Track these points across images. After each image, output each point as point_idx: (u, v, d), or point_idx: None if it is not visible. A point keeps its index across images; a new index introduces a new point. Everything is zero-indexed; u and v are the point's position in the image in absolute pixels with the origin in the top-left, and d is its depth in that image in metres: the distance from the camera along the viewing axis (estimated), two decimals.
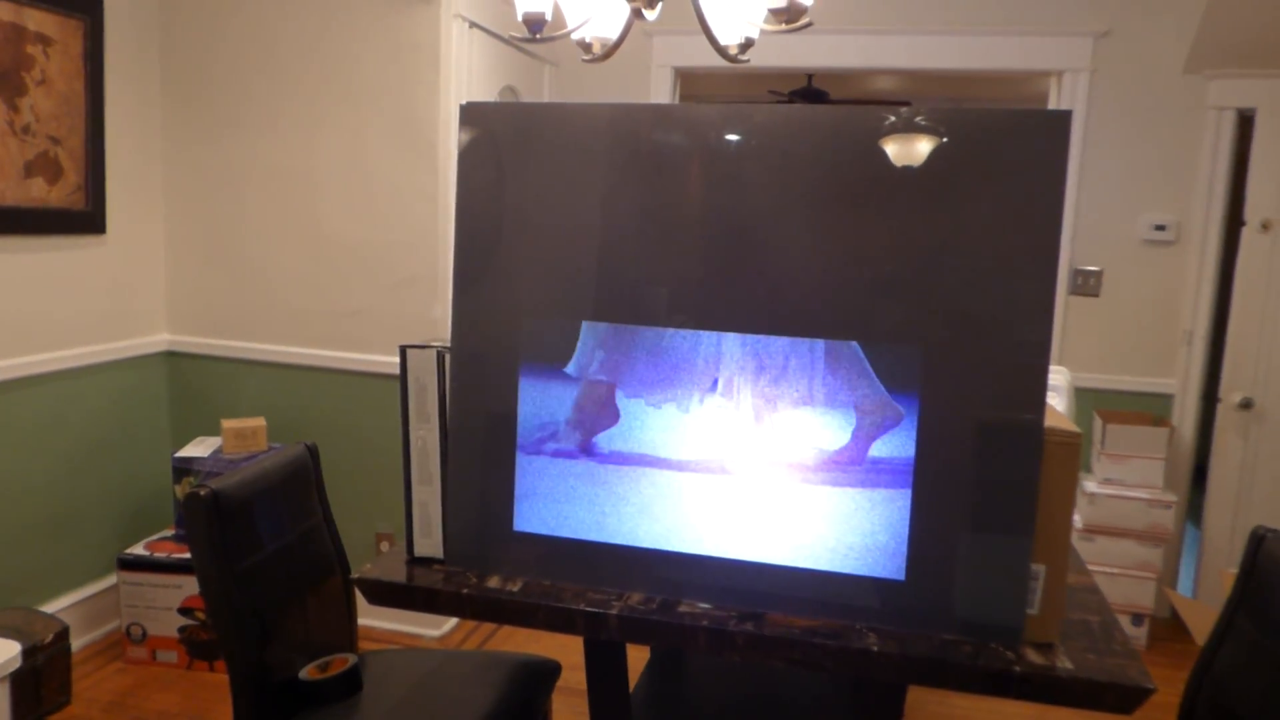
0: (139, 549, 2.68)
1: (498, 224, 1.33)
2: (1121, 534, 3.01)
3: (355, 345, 2.86)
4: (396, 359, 2.82)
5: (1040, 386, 1.15)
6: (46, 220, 2.54)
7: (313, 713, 1.59)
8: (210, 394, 3.01)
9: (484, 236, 1.33)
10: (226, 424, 2.73)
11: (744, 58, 1.86)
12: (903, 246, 1.19)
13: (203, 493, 1.47)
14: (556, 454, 1.32)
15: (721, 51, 1.77)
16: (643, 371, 1.29)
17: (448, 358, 1.35)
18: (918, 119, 1.18)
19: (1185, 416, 3.18)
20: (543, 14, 1.67)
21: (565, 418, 1.31)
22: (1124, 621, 3.05)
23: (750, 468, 1.26)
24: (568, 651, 2.82)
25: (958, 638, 1.19)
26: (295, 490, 1.72)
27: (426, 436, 1.36)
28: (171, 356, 3.03)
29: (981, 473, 1.17)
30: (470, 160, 1.33)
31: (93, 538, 2.80)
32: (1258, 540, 1.37)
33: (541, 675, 1.82)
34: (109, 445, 2.83)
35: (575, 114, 1.30)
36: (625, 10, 1.77)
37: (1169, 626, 3.22)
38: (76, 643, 2.73)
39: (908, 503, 1.20)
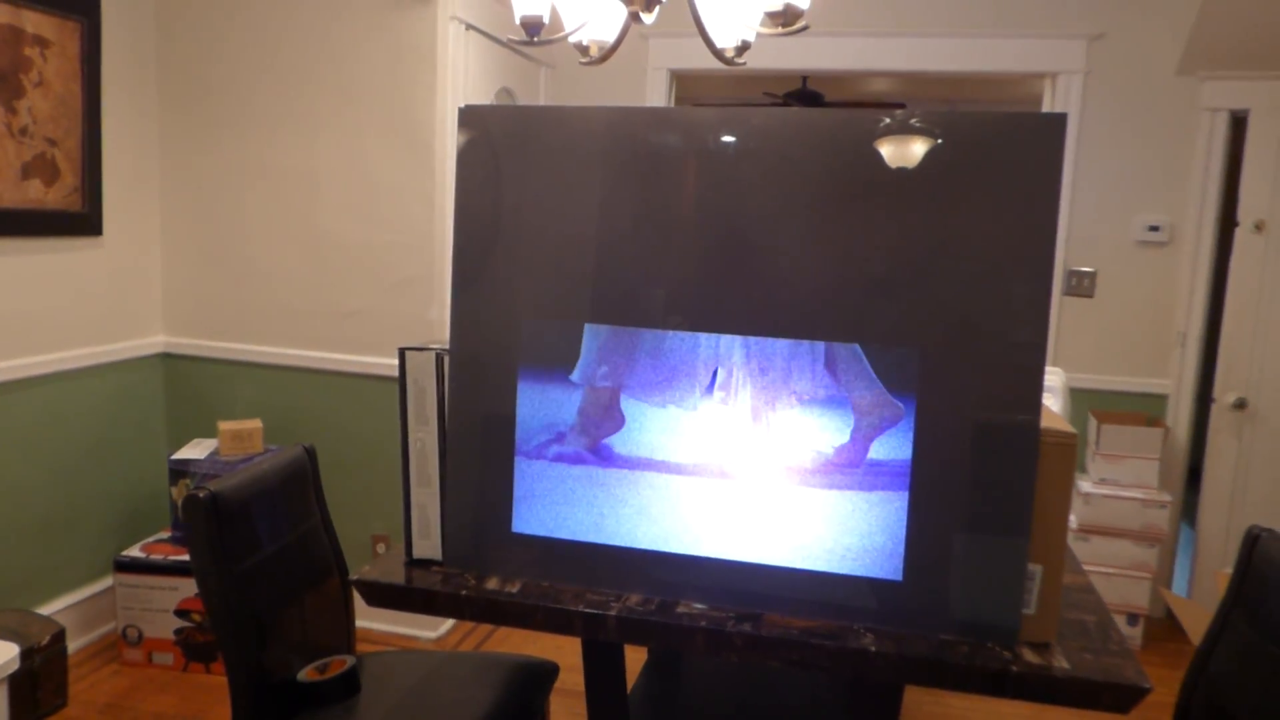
0: (135, 551, 2.68)
1: (496, 227, 1.33)
2: (1117, 534, 3.03)
3: (351, 347, 2.86)
4: (392, 360, 2.82)
5: (1036, 388, 1.16)
6: (43, 222, 2.54)
7: (311, 714, 1.59)
8: (206, 396, 3.01)
9: (482, 239, 1.34)
10: (223, 426, 2.73)
11: (740, 60, 1.87)
12: (899, 249, 1.20)
13: (201, 495, 1.47)
14: (556, 457, 1.33)
15: (718, 55, 1.78)
16: (642, 374, 1.29)
17: (446, 360, 1.35)
18: (914, 122, 1.19)
19: (1179, 417, 3.19)
20: (540, 17, 1.68)
21: (570, 423, 1.31)
22: (1119, 621, 3.06)
23: (748, 470, 1.26)
24: (565, 653, 2.83)
25: (955, 638, 1.19)
26: (294, 492, 1.72)
27: (425, 438, 1.36)
28: (168, 358, 3.03)
29: (978, 473, 1.18)
30: (469, 163, 1.33)
31: (89, 540, 2.79)
32: (1252, 540, 1.38)
33: (539, 676, 1.82)
34: (105, 447, 2.83)
35: (573, 117, 1.30)
36: (622, 14, 1.78)
37: (1164, 626, 3.23)
38: (72, 645, 2.73)
39: (905, 504, 1.20)
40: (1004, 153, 1.16)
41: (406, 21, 2.67)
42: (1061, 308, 3.24)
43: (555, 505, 1.33)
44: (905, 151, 1.19)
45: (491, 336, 1.34)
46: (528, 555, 1.34)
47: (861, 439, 1.22)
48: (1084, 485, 3.07)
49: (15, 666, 2.22)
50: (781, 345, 1.24)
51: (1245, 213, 3.02)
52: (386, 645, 2.88)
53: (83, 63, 2.60)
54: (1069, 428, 1.19)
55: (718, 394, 1.27)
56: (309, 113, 2.79)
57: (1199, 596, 3.15)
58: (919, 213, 1.19)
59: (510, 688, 1.74)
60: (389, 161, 2.74)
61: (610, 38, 1.84)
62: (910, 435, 1.20)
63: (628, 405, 1.30)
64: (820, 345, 1.23)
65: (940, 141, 1.18)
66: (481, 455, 1.35)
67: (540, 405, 1.33)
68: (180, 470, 2.69)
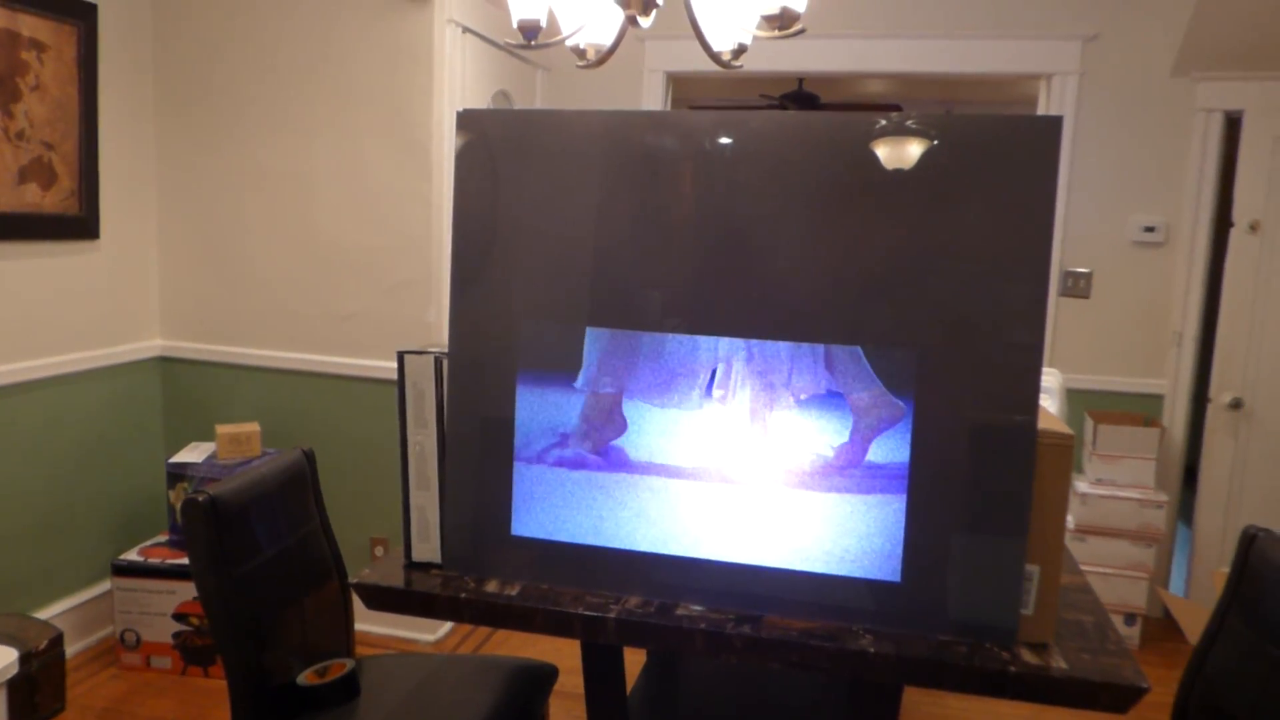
0: (133, 555, 2.68)
1: (494, 230, 1.34)
2: (1114, 534, 3.03)
3: (349, 350, 2.86)
4: (390, 363, 2.82)
5: (1033, 389, 1.17)
6: (40, 226, 2.53)
7: (311, 718, 1.59)
8: (204, 399, 3.01)
9: (481, 242, 1.34)
10: (221, 429, 2.73)
11: (737, 63, 1.87)
12: (896, 251, 1.20)
13: (201, 498, 1.47)
14: (557, 461, 1.33)
15: (715, 58, 1.79)
16: (641, 377, 1.30)
17: (445, 363, 1.36)
18: (910, 125, 1.19)
19: (1176, 417, 3.20)
20: (537, 21, 1.68)
21: (572, 427, 1.32)
22: (1117, 621, 3.07)
23: (747, 472, 1.27)
24: (564, 656, 2.83)
25: (953, 639, 1.20)
26: (293, 496, 1.72)
27: (424, 442, 1.37)
28: (165, 362, 3.03)
29: (975, 475, 1.18)
30: (467, 167, 1.34)
31: (86, 543, 2.79)
32: (1249, 539, 1.39)
33: (539, 679, 1.82)
34: (103, 451, 2.82)
35: (571, 120, 1.30)
36: (619, 17, 1.78)
37: (1161, 626, 3.24)
38: (70, 649, 2.73)
39: (903, 505, 1.21)
40: (1000, 155, 1.17)
41: (403, 25, 2.67)
42: (1058, 308, 3.25)
43: (554, 508, 1.33)
44: (902, 154, 1.20)
45: (490, 339, 1.34)
46: (527, 558, 1.34)
47: (861, 439, 1.22)
48: (1081, 485, 3.08)
49: (13, 671, 2.21)
50: (780, 347, 1.24)
51: (1240, 213, 3.03)
52: (385, 648, 2.88)
53: (79, 66, 2.60)
54: (1066, 428, 1.20)
55: (716, 396, 1.27)
56: (306, 116, 2.79)
57: (1196, 596, 3.16)
58: (916, 215, 1.20)
59: (509, 690, 1.74)
60: (386, 164, 2.75)
61: (607, 41, 1.84)
62: (908, 437, 1.20)
63: (627, 408, 1.30)
64: (819, 346, 1.23)
65: (937, 144, 1.18)
66: (480, 458, 1.35)
67: (539, 408, 1.33)
68: (178, 474, 2.69)
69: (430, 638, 2.94)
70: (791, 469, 1.25)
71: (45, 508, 2.64)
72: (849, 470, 1.23)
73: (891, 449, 1.21)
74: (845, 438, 1.23)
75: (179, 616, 2.63)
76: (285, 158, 2.83)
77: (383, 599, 1.35)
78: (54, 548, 2.68)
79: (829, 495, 1.23)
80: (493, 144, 1.33)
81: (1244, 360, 3.06)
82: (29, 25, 2.43)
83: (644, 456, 1.30)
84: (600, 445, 1.31)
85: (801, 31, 1.57)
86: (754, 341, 1.25)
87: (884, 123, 1.20)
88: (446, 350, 1.37)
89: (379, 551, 2.93)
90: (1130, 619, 3.06)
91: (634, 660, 2.70)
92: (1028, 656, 1.16)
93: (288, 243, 2.87)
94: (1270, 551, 1.34)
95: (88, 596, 2.79)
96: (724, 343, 1.27)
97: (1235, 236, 3.04)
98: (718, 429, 1.27)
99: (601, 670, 1.48)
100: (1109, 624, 1.28)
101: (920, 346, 1.20)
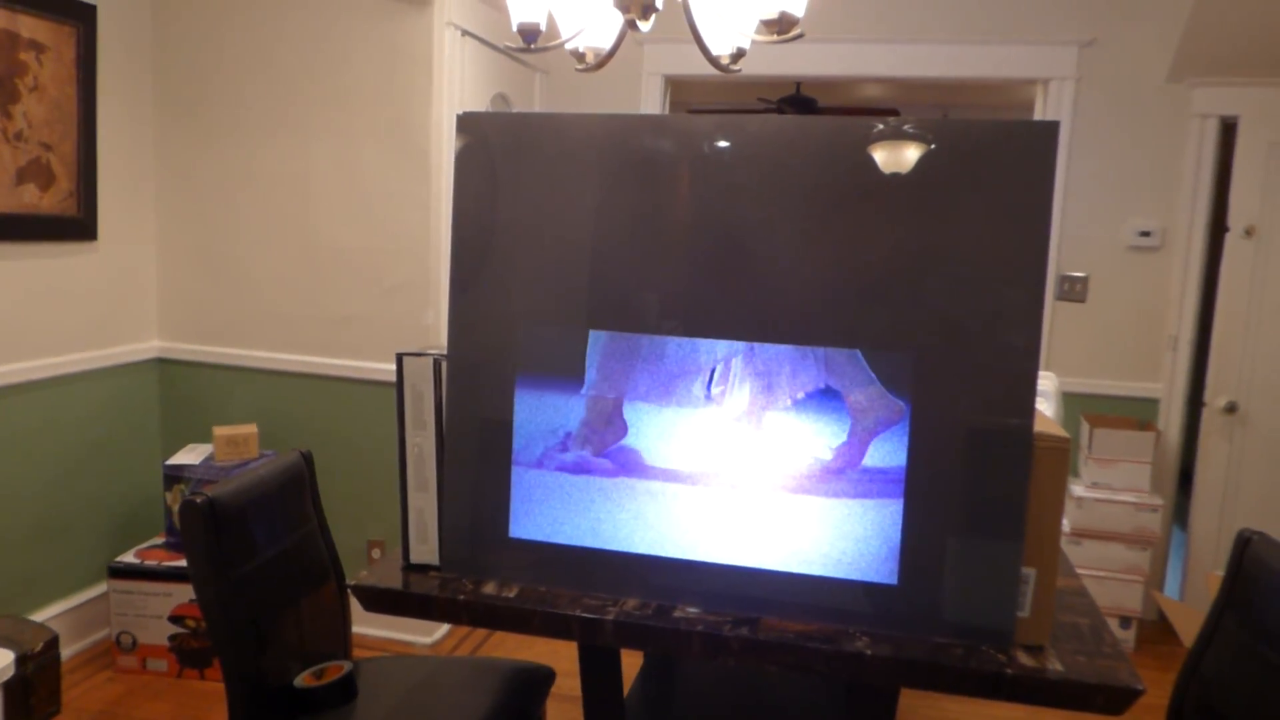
0: (129, 557, 2.67)
1: (493, 232, 1.34)
2: (1109, 537, 3.04)
3: (347, 352, 2.86)
4: (387, 365, 2.82)
5: (1029, 392, 1.17)
6: (38, 227, 2.53)
7: None
8: (201, 401, 3.01)
9: (480, 245, 1.34)
10: (218, 431, 2.73)
11: (735, 67, 1.88)
12: (893, 255, 1.21)
13: (199, 500, 1.47)
14: (557, 465, 1.33)
15: (714, 61, 1.79)
16: (640, 380, 1.30)
17: (444, 365, 1.36)
18: (907, 130, 1.20)
19: (1171, 421, 3.21)
20: (537, 24, 1.69)
21: (573, 430, 1.32)
22: (1112, 624, 3.07)
23: (745, 475, 1.27)
24: (561, 658, 2.83)
25: (950, 641, 1.20)
26: (290, 498, 1.72)
27: (423, 443, 1.37)
28: (163, 363, 3.02)
29: (972, 478, 1.19)
30: (466, 169, 1.34)
31: (83, 545, 2.78)
32: (1243, 543, 1.39)
33: (535, 681, 1.82)
34: (100, 452, 2.82)
35: (570, 124, 1.31)
36: (619, 21, 1.79)
37: (1157, 629, 3.25)
38: (66, 651, 2.72)
39: (900, 508, 1.21)
40: (997, 160, 1.17)
41: (402, 27, 2.68)
42: (1054, 312, 3.26)
43: (552, 510, 1.33)
44: (899, 158, 1.20)
45: (489, 341, 1.35)
46: (525, 560, 1.35)
47: (859, 440, 1.23)
48: (1077, 489, 3.09)
49: (9, 674, 2.21)
50: (778, 350, 1.25)
51: (1235, 218, 3.04)
52: (382, 651, 2.88)
53: (78, 68, 2.60)
54: (1062, 432, 1.20)
55: (715, 400, 1.28)
56: (305, 118, 2.79)
57: (1191, 599, 3.17)
58: (913, 219, 1.20)
59: (506, 693, 1.74)
60: (384, 167, 2.75)
61: (606, 45, 1.85)
62: (905, 440, 1.21)
63: (626, 411, 1.31)
64: (818, 350, 1.24)
65: (934, 148, 1.19)
66: (479, 460, 1.35)
67: (538, 410, 1.33)
68: (175, 476, 2.69)
69: (427, 640, 2.94)
70: (789, 472, 1.25)
71: (41, 509, 2.64)
72: (846, 473, 1.23)
73: (888, 452, 1.22)
74: (843, 440, 1.23)
75: (175, 619, 2.63)
76: (284, 160, 2.83)
77: (381, 601, 1.35)
78: (50, 550, 2.68)
79: (826, 496, 1.24)
80: (492, 147, 1.33)
81: (1239, 364, 3.07)
82: (28, 26, 2.43)
83: (642, 459, 1.30)
84: (601, 449, 1.31)
85: (800, 36, 1.58)
86: (752, 345, 1.26)
87: (881, 127, 1.21)
88: (445, 352, 1.37)
89: (376, 554, 2.93)
90: (1125, 622, 3.07)
91: (631, 663, 2.70)
92: (1024, 659, 1.17)
93: (286, 245, 2.87)
94: (1265, 554, 1.35)
95: (84, 599, 2.78)
96: (722, 345, 1.27)
97: (1230, 241, 3.05)
98: (716, 432, 1.28)
99: (599, 672, 1.48)
100: (1104, 627, 1.28)
101: (917, 350, 1.20)
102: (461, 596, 1.31)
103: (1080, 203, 3.19)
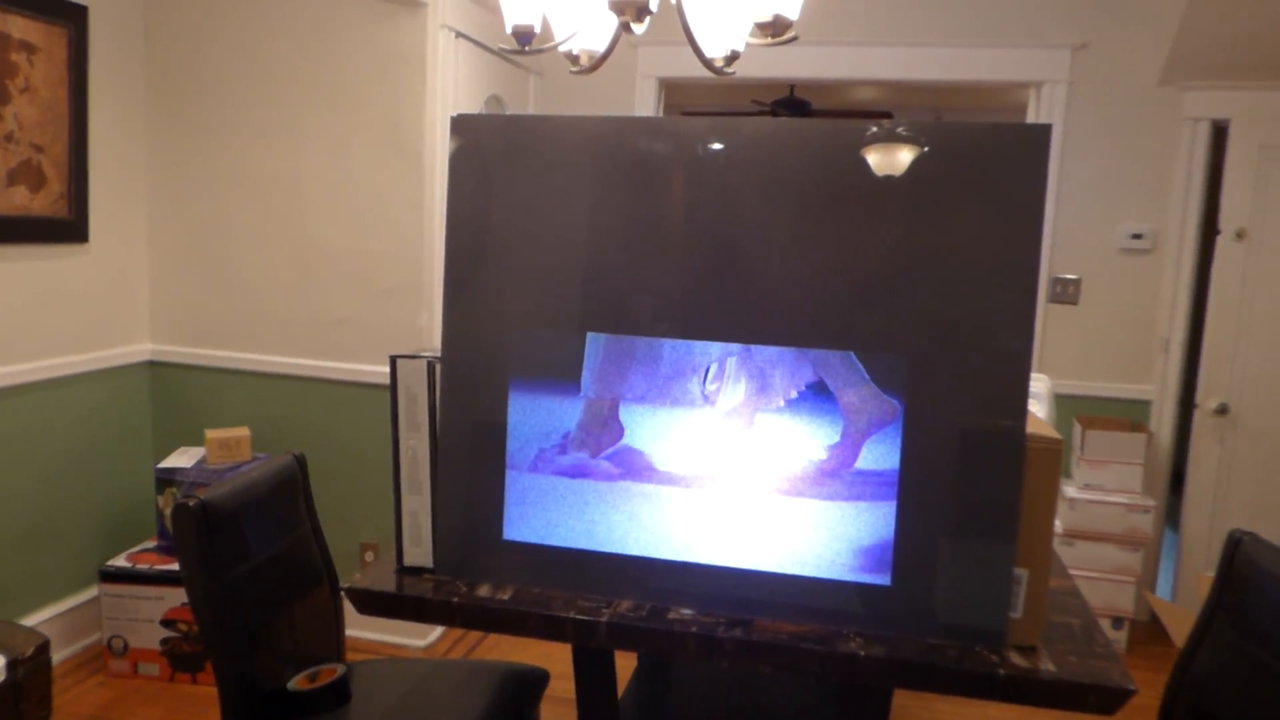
0: (121, 560, 2.66)
1: (488, 235, 1.34)
2: (1101, 538, 3.05)
3: (339, 354, 2.86)
4: (379, 368, 2.82)
5: (1022, 394, 1.18)
6: (29, 229, 2.52)
7: None
8: (193, 404, 2.99)
9: (474, 247, 1.34)
10: (210, 434, 2.72)
11: (729, 70, 1.88)
12: (886, 257, 1.21)
13: (191, 503, 1.46)
14: (550, 465, 1.33)
15: (708, 64, 1.80)
16: (634, 382, 1.30)
17: (438, 367, 1.36)
18: (901, 133, 1.20)
19: (1163, 422, 3.23)
20: (531, 27, 1.69)
21: (568, 433, 1.32)
22: (1104, 625, 3.08)
23: (738, 477, 1.27)
24: (555, 660, 2.82)
25: (943, 641, 1.21)
26: (284, 500, 1.71)
27: (417, 446, 1.37)
28: (154, 366, 3.01)
29: (965, 479, 1.19)
30: (461, 172, 1.34)
31: (74, 549, 2.77)
32: (1234, 543, 1.40)
33: (530, 684, 1.82)
34: (91, 455, 2.81)
35: (565, 126, 1.31)
36: (613, 23, 1.79)
37: (1149, 629, 3.26)
38: (57, 656, 2.71)
39: (893, 509, 1.22)
40: (990, 163, 1.18)
41: (396, 29, 2.68)
42: (1046, 315, 3.27)
43: (546, 512, 1.33)
44: (892, 161, 1.21)
45: (483, 344, 1.35)
46: (519, 562, 1.34)
47: (853, 440, 1.23)
48: (1069, 490, 3.10)
49: (3, 677, 2.19)
50: (772, 352, 1.25)
51: (1226, 221, 3.06)
52: (375, 654, 2.87)
53: (70, 69, 2.59)
54: (1054, 433, 1.21)
55: (708, 401, 1.28)
56: (298, 119, 2.79)
57: (1183, 600, 3.18)
58: (906, 222, 1.21)
59: (501, 695, 1.74)
60: (378, 168, 2.75)
61: (601, 47, 1.85)
62: (898, 441, 1.21)
63: (621, 414, 1.31)
64: (811, 352, 1.24)
65: (927, 151, 1.19)
66: (472, 462, 1.35)
67: (532, 412, 1.33)
68: (167, 479, 2.68)
69: (420, 643, 2.93)
70: (783, 474, 1.25)
71: (32, 513, 2.63)
72: (840, 475, 1.23)
73: (881, 454, 1.22)
74: (836, 440, 1.23)
75: (167, 623, 2.61)
76: (277, 161, 2.83)
77: (375, 603, 1.34)
78: (41, 553, 2.66)
79: (820, 497, 1.24)
80: (486, 149, 1.33)
81: (1230, 366, 3.09)
82: (19, 27, 2.43)
83: (636, 461, 1.30)
84: (597, 451, 1.31)
85: (794, 39, 1.58)
86: (746, 347, 1.26)
87: (875, 130, 1.21)
88: (439, 355, 1.37)
89: (369, 557, 2.92)
90: (1118, 622, 3.08)
91: (625, 665, 2.70)
92: (1016, 659, 1.17)
93: (278, 247, 2.86)
94: (1255, 555, 1.35)
95: (75, 603, 2.77)
96: (715, 347, 1.27)
97: (1221, 244, 3.07)
98: (710, 434, 1.28)
99: (593, 674, 1.48)
100: (1096, 627, 1.29)
101: (910, 352, 1.21)
102: (455, 599, 1.31)
103: (1072, 205, 3.21)
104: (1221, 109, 3.05)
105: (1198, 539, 3.17)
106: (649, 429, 1.30)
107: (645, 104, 3.45)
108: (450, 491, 1.36)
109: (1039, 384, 2.05)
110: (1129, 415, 3.24)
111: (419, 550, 1.39)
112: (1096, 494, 3.06)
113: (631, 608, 1.29)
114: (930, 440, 1.20)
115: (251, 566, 1.58)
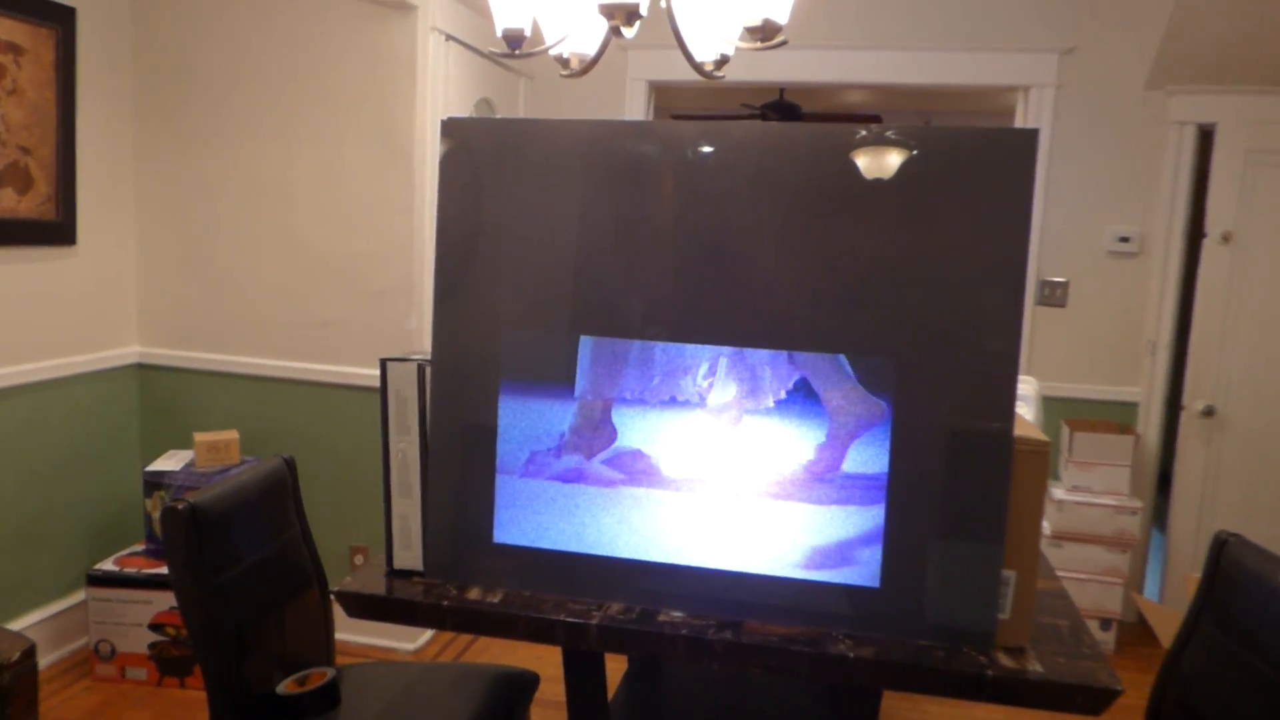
0: (108, 564, 2.64)
1: (478, 238, 1.34)
2: (1089, 540, 3.07)
3: (329, 357, 2.85)
4: (369, 371, 2.81)
5: (1009, 396, 1.18)
6: (16, 231, 2.51)
7: None
8: (182, 407, 2.98)
9: (464, 250, 1.34)
10: (199, 437, 2.71)
11: (719, 74, 1.89)
12: (875, 261, 1.22)
13: (180, 506, 1.46)
14: (540, 468, 1.33)
15: (698, 68, 1.80)
16: (625, 385, 1.30)
17: (428, 370, 1.36)
18: (889, 137, 1.21)
19: (1150, 424, 3.25)
20: (522, 30, 1.69)
21: (560, 436, 1.32)
22: (1092, 626, 3.10)
23: (728, 480, 1.27)
24: (545, 663, 2.82)
25: (931, 643, 1.21)
26: (273, 504, 1.71)
27: (407, 449, 1.37)
28: (143, 369, 3.00)
29: (953, 481, 1.20)
30: (450, 175, 1.34)
31: (61, 553, 2.75)
32: (1220, 545, 1.41)
33: (520, 686, 1.82)
34: (78, 459, 2.79)
35: (555, 129, 1.31)
36: (603, 27, 1.79)
37: (1136, 630, 3.28)
38: (43, 661, 2.69)
39: (881, 511, 1.22)
40: (978, 167, 1.19)
41: (386, 32, 2.68)
42: (1034, 317, 3.29)
43: (536, 515, 1.33)
44: (881, 165, 1.21)
45: (473, 347, 1.35)
46: (509, 565, 1.34)
47: (840, 441, 1.23)
48: (1057, 492, 3.12)
49: None
50: (761, 355, 1.26)
51: (1213, 224, 3.08)
52: (365, 657, 2.86)
53: (57, 70, 2.58)
54: (1042, 435, 1.22)
55: (697, 404, 1.28)
56: (287, 122, 2.78)
57: (1170, 601, 3.20)
58: (894, 225, 1.21)
59: (491, 698, 1.73)
60: (368, 171, 2.74)
61: (591, 50, 1.85)
62: (886, 444, 1.22)
63: (613, 417, 1.31)
64: (799, 355, 1.25)
65: (916, 155, 1.20)
66: (463, 465, 1.35)
67: (522, 416, 1.33)
68: (155, 482, 2.66)
69: (410, 646, 2.92)
70: (772, 477, 1.26)
71: (19, 517, 2.61)
72: (828, 476, 1.24)
73: (869, 457, 1.22)
74: (823, 440, 1.24)
75: (155, 627, 2.60)
76: (266, 164, 2.82)
77: (365, 607, 1.34)
78: (28, 557, 2.64)
79: (808, 499, 1.24)
80: (476, 152, 1.33)
81: (1216, 368, 3.11)
82: (6, 28, 2.41)
83: (628, 464, 1.31)
84: (591, 454, 1.31)
85: (783, 43, 1.59)
86: (735, 350, 1.27)
87: (864, 134, 1.22)
88: (429, 357, 1.37)
89: (359, 560, 2.91)
90: (1105, 624, 3.10)
91: (615, 668, 2.70)
92: (1004, 660, 1.18)
93: (268, 249, 2.85)
94: (1241, 556, 1.37)
95: (62, 607, 2.75)
96: (705, 350, 1.28)
97: (1208, 247, 3.10)
98: (699, 437, 1.28)
99: (583, 677, 1.48)
100: (1084, 628, 1.30)
101: (898, 355, 1.21)
102: (445, 602, 1.31)
103: (1060, 209, 3.23)
104: (1208, 113, 3.08)
105: (1185, 540, 3.19)
106: (641, 432, 1.30)
107: (635, 107, 3.45)
108: (440, 494, 1.36)
109: (1027, 386, 2.06)
110: (1116, 417, 3.26)
111: (409, 553, 1.39)
112: (1084, 496, 3.08)
113: (622, 610, 1.29)
114: (918, 442, 1.21)
115: (241, 570, 1.58)
